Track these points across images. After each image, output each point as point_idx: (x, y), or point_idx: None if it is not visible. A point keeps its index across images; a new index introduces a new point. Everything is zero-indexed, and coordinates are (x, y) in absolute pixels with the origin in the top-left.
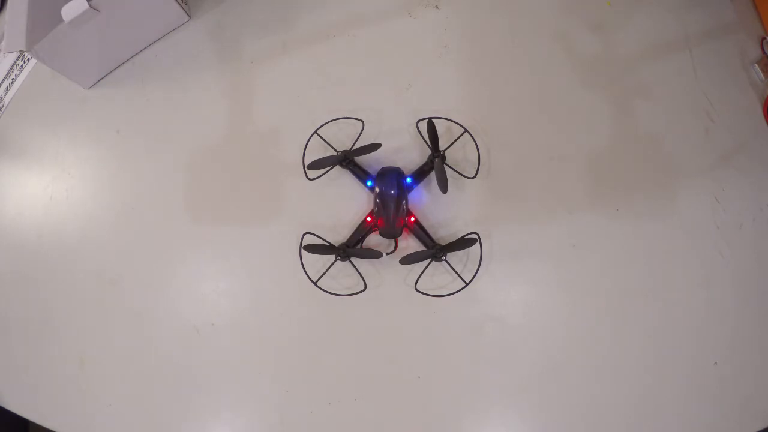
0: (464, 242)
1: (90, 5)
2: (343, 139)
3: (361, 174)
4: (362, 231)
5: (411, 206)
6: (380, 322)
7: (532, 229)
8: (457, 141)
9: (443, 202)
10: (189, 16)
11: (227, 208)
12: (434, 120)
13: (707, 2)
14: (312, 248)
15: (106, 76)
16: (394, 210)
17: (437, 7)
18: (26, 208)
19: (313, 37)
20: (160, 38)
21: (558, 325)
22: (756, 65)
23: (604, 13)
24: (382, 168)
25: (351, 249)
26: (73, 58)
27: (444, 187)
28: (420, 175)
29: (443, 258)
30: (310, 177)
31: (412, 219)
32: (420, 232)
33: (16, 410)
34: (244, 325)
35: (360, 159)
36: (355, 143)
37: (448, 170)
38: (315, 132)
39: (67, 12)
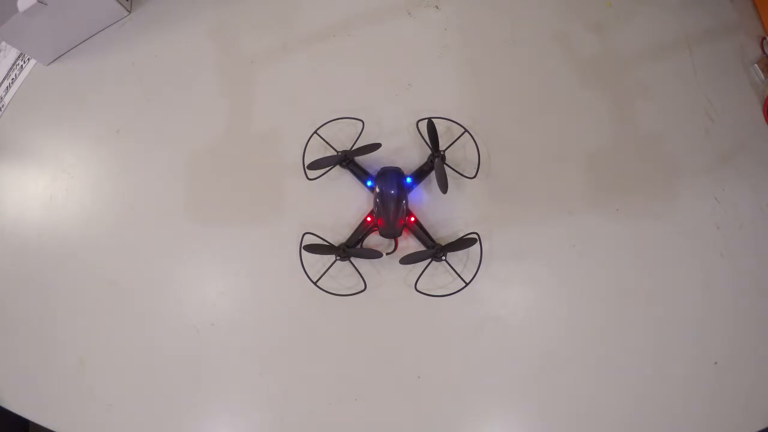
0: (464, 242)
1: (38, 0)
2: (343, 139)
3: (361, 174)
4: (362, 231)
5: (411, 206)
6: (380, 322)
7: (532, 229)
8: (457, 141)
9: (443, 202)
10: (129, 11)
11: (227, 208)
12: (434, 120)
13: (707, 2)
14: (312, 248)
15: (63, 54)
16: (394, 210)
17: (437, 7)
18: (26, 208)
19: (313, 37)
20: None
21: (558, 325)
22: (756, 65)
23: (604, 13)
24: (382, 168)
25: (351, 249)
26: (31, 40)
27: (444, 187)
28: (420, 175)
29: (443, 258)
30: (310, 177)
31: (412, 219)
32: (420, 232)
33: (16, 410)
34: (244, 325)
35: (360, 159)
36: (355, 143)
37: (448, 170)
38: (315, 132)
39: (22, 4)
